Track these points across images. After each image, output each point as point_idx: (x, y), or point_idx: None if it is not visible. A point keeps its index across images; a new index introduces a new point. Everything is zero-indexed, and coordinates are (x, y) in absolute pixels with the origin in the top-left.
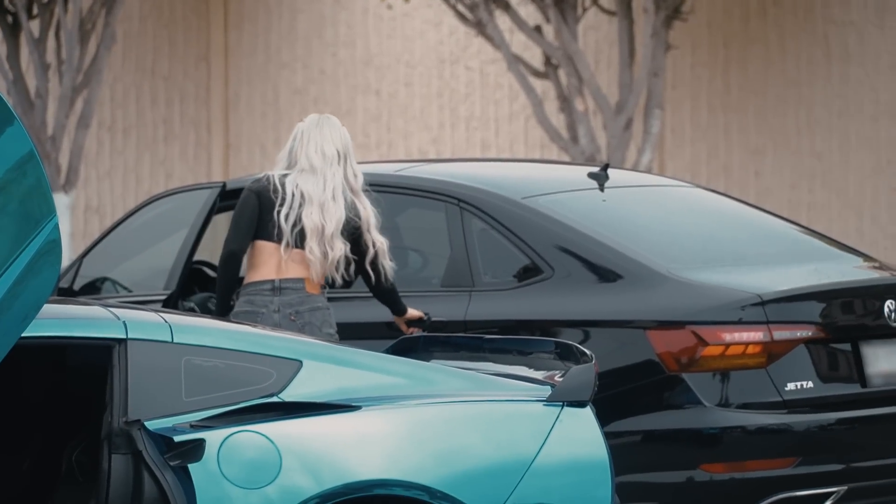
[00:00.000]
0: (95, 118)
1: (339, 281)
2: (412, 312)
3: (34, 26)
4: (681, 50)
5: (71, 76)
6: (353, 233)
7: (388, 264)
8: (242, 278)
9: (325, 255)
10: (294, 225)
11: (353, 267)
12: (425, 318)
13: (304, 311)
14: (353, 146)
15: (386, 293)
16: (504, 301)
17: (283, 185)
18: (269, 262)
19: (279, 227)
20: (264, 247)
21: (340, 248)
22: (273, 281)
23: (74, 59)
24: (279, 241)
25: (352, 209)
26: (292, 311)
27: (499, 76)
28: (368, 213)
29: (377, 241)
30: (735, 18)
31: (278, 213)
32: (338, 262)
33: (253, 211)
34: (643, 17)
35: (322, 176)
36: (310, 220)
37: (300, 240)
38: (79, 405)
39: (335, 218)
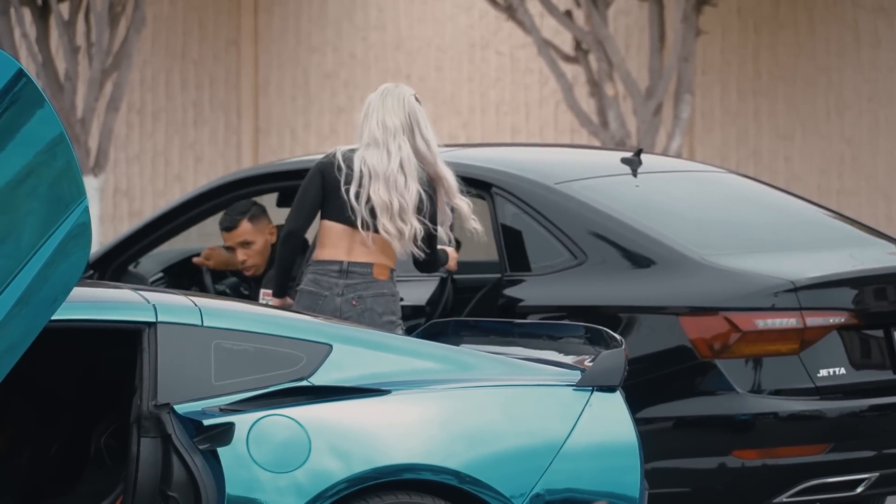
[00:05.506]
0: (125, 101)
1: (419, 255)
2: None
3: (64, 9)
4: (711, 35)
5: (100, 59)
6: (430, 207)
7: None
8: (301, 259)
9: (400, 231)
10: (366, 202)
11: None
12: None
13: (367, 296)
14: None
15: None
16: (537, 287)
17: (347, 162)
18: (338, 244)
19: (351, 206)
20: (333, 227)
21: (414, 224)
22: (342, 262)
23: (104, 42)
24: (350, 221)
25: (425, 182)
26: (355, 296)
27: (529, 61)
28: (449, 181)
29: (459, 206)
30: (765, 3)
31: (347, 191)
32: (415, 237)
33: (317, 190)
34: (673, 1)
35: (385, 149)
36: (377, 196)
37: (372, 218)
38: (108, 389)
39: (405, 194)
